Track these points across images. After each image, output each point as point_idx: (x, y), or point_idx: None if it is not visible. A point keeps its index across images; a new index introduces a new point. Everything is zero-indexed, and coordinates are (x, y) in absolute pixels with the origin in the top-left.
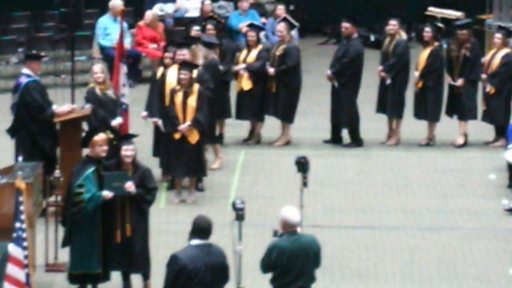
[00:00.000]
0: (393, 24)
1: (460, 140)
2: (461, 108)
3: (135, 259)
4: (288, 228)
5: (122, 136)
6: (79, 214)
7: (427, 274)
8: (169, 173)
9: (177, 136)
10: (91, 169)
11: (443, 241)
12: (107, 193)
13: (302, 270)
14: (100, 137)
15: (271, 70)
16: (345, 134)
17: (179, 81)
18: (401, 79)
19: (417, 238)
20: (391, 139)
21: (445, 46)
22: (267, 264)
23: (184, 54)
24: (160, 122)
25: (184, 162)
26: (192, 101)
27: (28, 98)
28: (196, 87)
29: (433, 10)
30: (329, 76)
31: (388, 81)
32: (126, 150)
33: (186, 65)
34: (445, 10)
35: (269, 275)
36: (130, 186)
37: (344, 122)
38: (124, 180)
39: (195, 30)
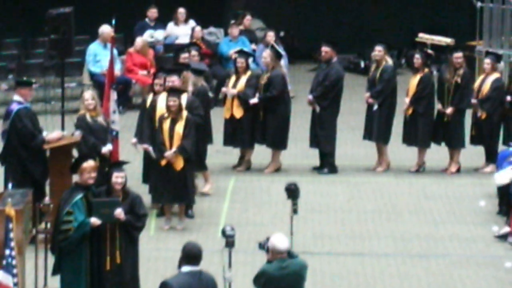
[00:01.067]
0: (378, 50)
1: (453, 168)
2: (449, 136)
3: (125, 286)
4: (276, 255)
5: (113, 163)
6: (65, 241)
7: None
8: (157, 199)
9: (163, 162)
10: (79, 196)
11: (433, 268)
12: (95, 220)
13: None
14: (89, 164)
15: (253, 101)
16: (337, 161)
17: (168, 108)
18: (388, 105)
19: (407, 265)
20: (380, 166)
21: (435, 72)
22: (257, 286)
23: (173, 80)
24: (150, 148)
25: (171, 189)
26: (179, 128)
27: (19, 125)
28: (184, 114)
29: (423, 37)
30: (310, 101)
31: (375, 107)
32: (117, 177)
33: (175, 92)
34: (435, 36)
35: None
36: (119, 213)
37: (324, 147)
38: (113, 207)
39: (182, 57)
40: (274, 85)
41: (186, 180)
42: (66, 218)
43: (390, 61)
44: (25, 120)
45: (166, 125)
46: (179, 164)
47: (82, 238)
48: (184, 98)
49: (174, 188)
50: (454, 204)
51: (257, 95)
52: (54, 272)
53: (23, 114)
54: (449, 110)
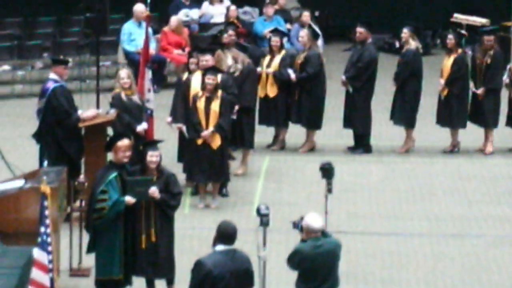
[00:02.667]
0: (404, 32)
1: (490, 148)
2: (483, 116)
3: (160, 265)
4: (311, 233)
5: (148, 142)
6: (100, 220)
7: (451, 282)
8: (192, 178)
9: (199, 141)
10: (113, 174)
11: (467, 248)
12: (129, 199)
13: (327, 274)
14: (123, 142)
15: (292, 76)
16: (372, 141)
17: (204, 86)
18: (410, 88)
19: (441, 245)
20: (402, 147)
21: (470, 53)
22: (292, 265)
23: (207, 60)
24: (184, 127)
25: (206, 168)
26: (215, 106)
27: (55, 103)
28: (219, 92)
29: (458, 17)
30: (343, 82)
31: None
32: (152, 156)
33: (213, 70)
34: (470, 17)
35: (293, 280)
36: (154, 191)
37: (358, 128)
38: (148, 186)
39: (226, 36)
40: (311, 65)
41: (223, 158)
42: (101, 197)
43: (413, 44)
44: (60, 98)
45: (201, 104)
46: (216, 142)
47: (116, 217)
48: (218, 77)
49: (210, 167)
50: (488, 184)
51: (292, 74)
52: (89, 250)
53: (59, 92)
54: (480, 91)
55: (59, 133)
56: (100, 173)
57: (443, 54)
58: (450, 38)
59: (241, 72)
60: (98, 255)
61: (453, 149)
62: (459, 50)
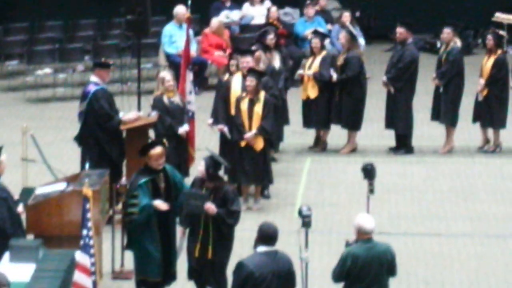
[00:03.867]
0: (447, 32)
1: None
2: None
3: (213, 278)
4: (363, 235)
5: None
6: (131, 224)
7: (494, 282)
8: (235, 180)
9: (242, 143)
10: (144, 179)
11: (511, 249)
12: (159, 204)
13: (375, 278)
14: (156, 151)
15: (334, 76)
16: (414, 141)
17: (246, 88)
18: (454, 87)
19: (484, 246)
20: (444, 147)
21: (511, 52)
22: (340, 272)
23: (248, 61)
24: (226, 129)
25: (250, 170)
26: (258, 108)
27: (96, 106)
28: (262, 94)
29: (499, 17)
30: (384, 82)
31: (441, 89)
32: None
33: (253, 72)
34: None
35: (335, 284)
36: (209, 207)
37: (399, 128)
38: (203, 200)
39: (269, 38)
40: (350, 67)
41: (266, 160)
42: (131, 201)
43: (458, 43)
44: (102, 101)
45: (244, 105)
46: (259, 144)
47: (147, 220)
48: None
49: (254, 169)
50: None
51: (334, 74)
52: (126, 248)
53: (100, 95)
54: None
55: (100, 136)
56: (133, 177)
57: (484, 54)
58: (489, 39)
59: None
60: (134, 256)
61: (495, 149)
62: (499, 51)
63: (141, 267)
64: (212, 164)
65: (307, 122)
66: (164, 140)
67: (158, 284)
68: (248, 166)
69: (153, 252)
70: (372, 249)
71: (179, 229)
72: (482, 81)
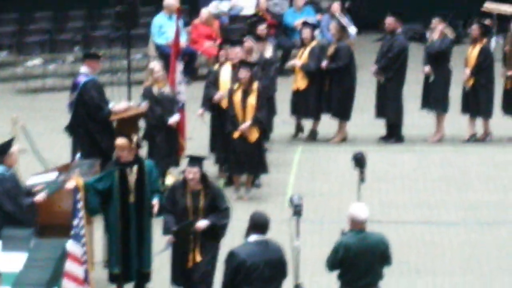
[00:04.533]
0: (433, 22)
1: None
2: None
3: (198, 281)
4: (356, 225)
5: (189, 157)
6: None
7: (487, 269)
8: (229, 170)
9: (236, 135)
10: (112, 169)
11: (503, 236)
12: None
13: (369, 267)
14: (119, 142)
15: (323, 64)
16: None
17: (239, 80)
18: (443, 74)
19: (476, 233)
20: (435, 136)
21: (501, 42)
22: (333, 261)
23: (237, 52)
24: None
25: (244, 160)
26: (252, 99)
27: (86, 97)
28: (255, 85)
29: (489, 6)
30: (374, 72)
31: (432, 78)
32: (189, 173)
33: (246, 64)
34: (502, 5)
35: (327, 273)
36: (199, 227)
37: (389, 117)
38: (192, 226)
39: (260, 29)
40: (340, 57)
41: (260, 150)
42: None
43: (449, 34)
44: (92, 91)
45: (237, 97)
46: (254, 135)
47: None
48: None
49: (249, 160)
50: None
51: (324, 63)
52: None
53: (90, 85)
54: (510, 73)
55: (91, 126)
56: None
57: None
58: (474, 29)
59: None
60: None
61: (485, 137)
62: (484, 40)
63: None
64: (202, 165)
65: (295, 111)
66: (136, 136)
67: (116, 277)
68: (243, 157)
69: (112, 244)
70: (364, 239)
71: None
72: (467, 71)
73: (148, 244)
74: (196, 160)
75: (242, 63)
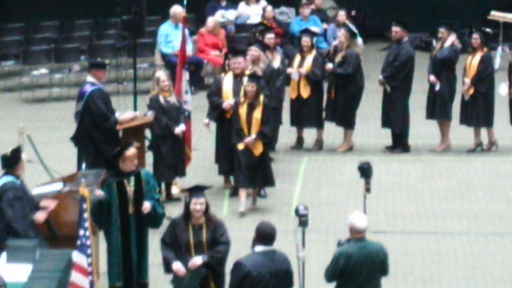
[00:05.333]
0: (441, 32)
1: None
2: None
3: None
4: (356, 234)
5: (192, 188)
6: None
7: (491, 280)
8: (235, 183)
9: (240, 146)
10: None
11: (507, 247)
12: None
13: (368, 277)
14: (131, 151)
15: (329, 66)
16: (410, 140)
17: (245, 93)
18: (450, 84)
19: (480, 244)
20: (441, 145)
21: (507, 50)
22: (333, 271)
23: (240, 62)
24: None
25: (249, 174)
26: (257, 113)
27: (93, 107)
28: (261, 98)
29: (495, 15)
30: (380, 81)
31: (438, 86)
32: (196, 204)
33: (253, 77)
34: (508, 14)
35: (333, 283)
36: (193, 264)
37: (395, 127)
38: (198, 277)
39: (268, 37)
40: (349, 63)
41: (266, 164)
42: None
43: (456, 43)
44: (98, 101)
45: (243, 110)
46: (259, 149)
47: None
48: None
49: (254, 173)
50: None
51: (330, 65)
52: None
53: (96, 95)
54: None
55: (96, 136)
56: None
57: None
58: (476, 38)
59: (263, 73)
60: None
61: (491, 147)
62: (485, 49)
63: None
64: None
65: (296, 121)
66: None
67: None
68: (248, 171)
69: (113, 256)
70: (364, 248)
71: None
72: (467, 80)
73: (146, 254)
74: (202, 190)
75: (249, 76)
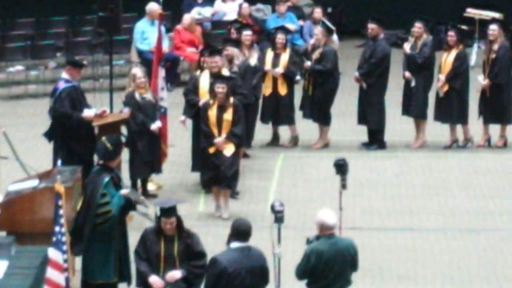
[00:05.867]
0: (418, 27)
1: (499, 143)
2: (488, 111)
3: None
4: (325, 231)
5: (163, 210)
6: (107, 223)
7: (467, 276)
8: (204, 185)
9: (211, 150)
10: (107, 177)
11: (483, 243)
12: (124, 191)
13: (339, 273)
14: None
15: (307, 64)
16: (386, 136)
17: (215, 95)
18: (424, 81)
19: (456, 240)
20: (417, 142)
21: (483, 47)
22: (303, 269)
23: (216, 61)
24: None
25: (220, 175)
26: (228, 115)
27: (58, 105)
28: (231, 100)
29: (471, 12)
30: (356, 78)
31: (413, 83)
32: (165, 223)
33: (222, 78)
34: (484, 11)
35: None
36: (171, 278)
37: (372, 124)
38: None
39: (244, 34)
40: (327, 60)
41: (234, 166)
42: (102, 200)
43: (429, 37)
44: (64, 101)
45: (213, 112)
46: (230, 150)
47: (121, 214)
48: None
49: (223, 174)
50: (503, 178)
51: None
52: (80, 253)
53: (65, 94)
54: (484, 83)
55: (64, 134)
56: (92, 177)
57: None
58: (452, 35)
59: (238, 69)
60: (93, 259)
61: (466, 143)
62: (461, 46)
63: (99, 270)
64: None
65: (272, 118)
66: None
67: (112, 286)
68: (218, 172)
69: (113, 253)
70: (335, 245)
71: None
72: (442, 77)
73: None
74: (172, 211)
75: (218, 78)
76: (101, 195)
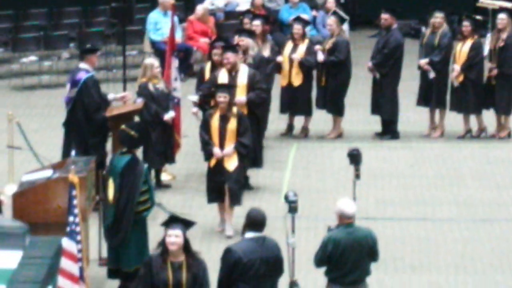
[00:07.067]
0: (440, 17)
1: (502, 133)
2: (495, 101)
3: None
4: (344, 220)
5: (169, 219)
6: (147, 211)
7: (481, 266)
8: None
9: (212, 163)
10: (146, 165)
11: (497, 233)
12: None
13: (356, 262)
14: None
15: (321, 57)
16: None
17: (217, 104)
18: (445, 71)
19: (470, 230)
20: (436, 132)
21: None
22: (321, 257)
23: (228, 58)
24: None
25: (220, 189)
26: (232, 125)
27: (86, 95)
28: (235, 110)
29: (484, 1)
30: (370, 68)
31: (432, 75)
32: (170, 236)
33: (224, 87)
34: (497, 1)
35: (322, 268)
36: None
37: (385, 114)
38: None
39: (254, 24)
40: (340, 50)
41: (239, 181)
42: (144, 188)
43: (447, 27)
44: (92, 90)
45: (215, 122)
46: (233, 164)
47: None
48: (245, 72)
49: (229, 192)
50: None
51: (322, 56)
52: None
53: (91, 84)
54: (493, 72)
55: (84, 124)
56: (125, 167)
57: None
58: (466, 25)
59: (253, 60)
60: (130, 247)
61: (480, 134)
62: (475, 36)
63: (137, 258)
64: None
65: (288, 108)
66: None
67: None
68: (219, 186)
69: (147, 238)
70: (353, 234)
71: None
72: (457, 67)
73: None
74: (178, 222)
75: (220, 87)
76: (143, 182)
